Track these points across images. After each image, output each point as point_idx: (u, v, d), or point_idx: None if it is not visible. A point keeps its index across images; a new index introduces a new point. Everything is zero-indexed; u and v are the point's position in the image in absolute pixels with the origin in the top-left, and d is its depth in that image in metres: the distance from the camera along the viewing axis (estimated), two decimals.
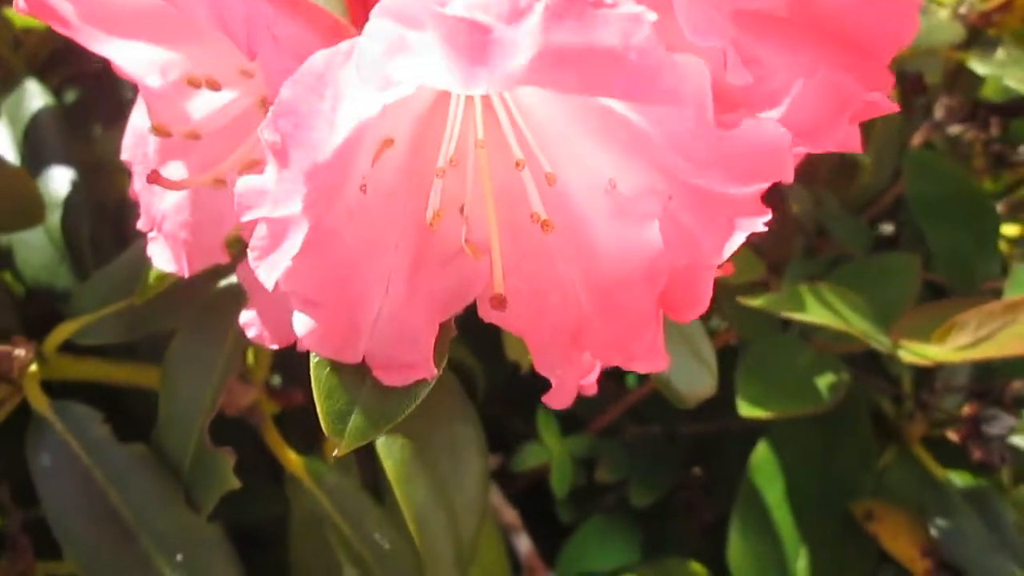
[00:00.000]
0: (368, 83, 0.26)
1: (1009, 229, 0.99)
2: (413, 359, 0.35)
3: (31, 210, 0.58)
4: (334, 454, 0.35)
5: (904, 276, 0.83)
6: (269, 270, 0.27)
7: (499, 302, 0.34)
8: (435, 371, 0.35)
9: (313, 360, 0.36)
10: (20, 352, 0.50)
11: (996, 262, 0.87)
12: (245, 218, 0.26)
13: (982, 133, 0.98)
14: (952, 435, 0.80)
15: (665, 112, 0.26)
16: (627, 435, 0.94)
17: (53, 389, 0.51)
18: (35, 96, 0.70)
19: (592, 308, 0.35)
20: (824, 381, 0.75)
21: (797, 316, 0.67)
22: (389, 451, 0.48)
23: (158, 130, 0.38)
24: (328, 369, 0.36)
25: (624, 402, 0.93)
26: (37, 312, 0.57)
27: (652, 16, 0.24)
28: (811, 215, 0.89)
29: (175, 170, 0.39)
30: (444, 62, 0.24)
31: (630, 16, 0.24)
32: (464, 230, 0.36)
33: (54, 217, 0.62)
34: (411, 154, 0.34)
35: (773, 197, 0.88)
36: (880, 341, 0.70)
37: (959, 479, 0.81)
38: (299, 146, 0.26)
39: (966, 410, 0.80)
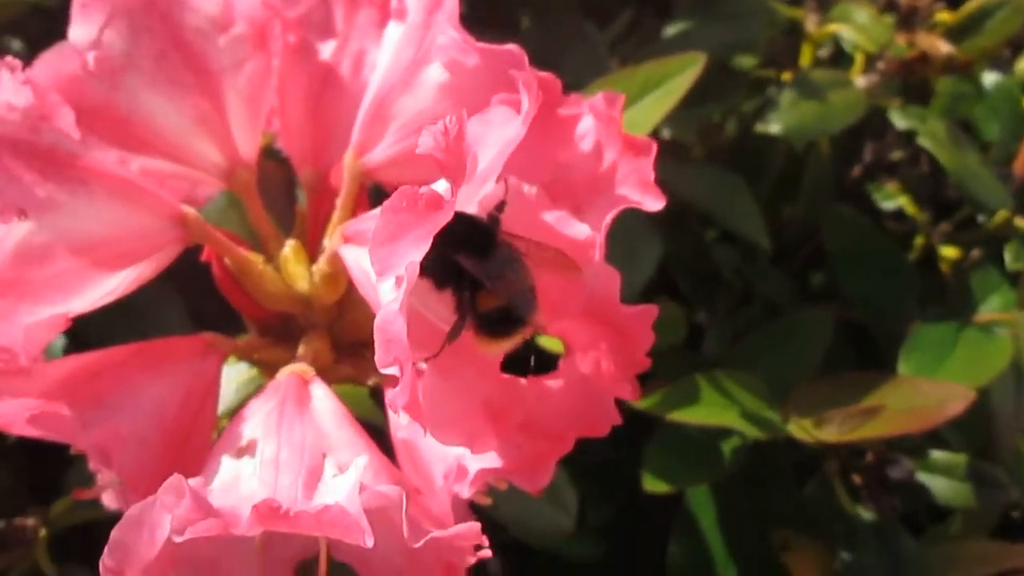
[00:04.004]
0: None
1: (949, 251, 1.04)
2: None
3: None
4: None
5: (816, 332, 0.90)
6: None
7: None
8: None
9: None
10: (30, 522, 0.65)
11: (913, 307, 0.93)
12: None
13: (914, 168, 1.02)
14: (856, 479, 0.89)
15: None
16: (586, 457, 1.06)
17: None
18: None
19: None
20: (729, 445, 0.85)
21: (683, 417, 0.76)
22: None
23: None
24: None
25: None
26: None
27: None
28: (737, 270, 0.96)
29: None
30: None
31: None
32: None
33: None
34: None
35: (699, 251, 0.95)
36: (770, 423, 0.79)
37: (867, 513, 0.91)
38: (131, 564, 0.38)
39: (869, 457, 0.89)
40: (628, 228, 0.88)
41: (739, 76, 0.93)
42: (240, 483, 0.39)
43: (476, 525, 0.39)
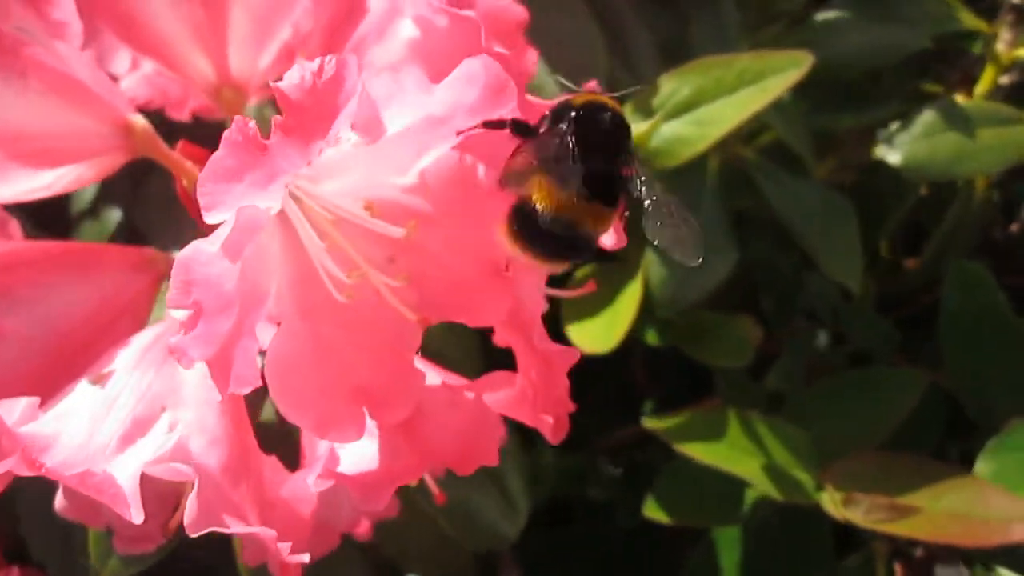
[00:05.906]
0: None
1: None
2: (142, 535, 0.48)
3: None
4: None
5: (900, 396, 0.78)
6: None
7: None
8: (157, 544, 0.48)
9: None
10: None
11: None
12: None
13: None
14: (899, 569, 0.78)
15: None
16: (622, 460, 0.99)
17: None
18: None
19: None
20: (755, 493, 0.76)
21: (695, 452, 0.68)
22: None
23: None
24: None
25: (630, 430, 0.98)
26: None
27: None
28: (831, 306, 0.85)
29: None
30: None
31: None
32: None
33: None
34: None
35: (795, 275, 0.85)
36: (798, 486, 0.70)
37: None
38: None
39: (919, 553, 0.77)
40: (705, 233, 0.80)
41: (890, 87, 0.80)
42: (72, 415, 0.38)
43: (272, 533, 0.36)
